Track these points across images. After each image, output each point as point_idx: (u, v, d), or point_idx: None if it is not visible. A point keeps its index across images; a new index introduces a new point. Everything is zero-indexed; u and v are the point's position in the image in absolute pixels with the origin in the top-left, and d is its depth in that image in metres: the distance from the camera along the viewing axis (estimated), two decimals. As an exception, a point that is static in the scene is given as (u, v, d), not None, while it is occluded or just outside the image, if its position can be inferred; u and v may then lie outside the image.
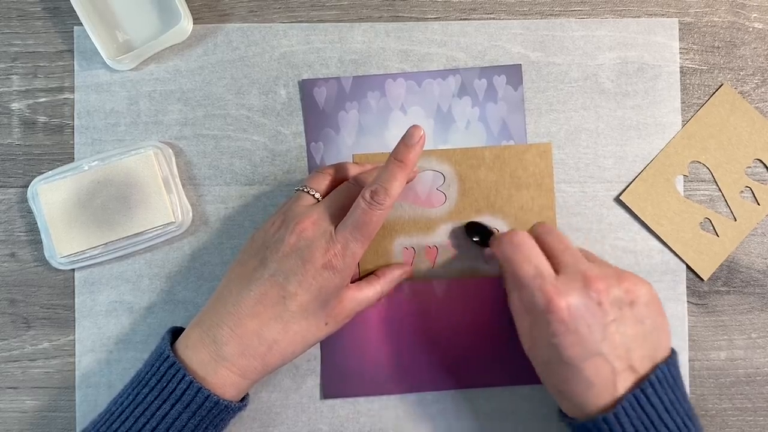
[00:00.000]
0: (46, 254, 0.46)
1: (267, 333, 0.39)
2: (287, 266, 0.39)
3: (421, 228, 0.47)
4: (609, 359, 0.37)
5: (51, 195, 0.45)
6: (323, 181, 0.44)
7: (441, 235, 0.47)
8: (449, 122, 0.48)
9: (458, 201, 0.47)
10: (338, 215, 0.41)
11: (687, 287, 0.47)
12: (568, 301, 0.37)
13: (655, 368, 0.38)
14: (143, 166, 0.45)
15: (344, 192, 0.42)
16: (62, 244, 0.45)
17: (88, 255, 0.46)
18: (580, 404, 0.38)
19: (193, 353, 0.39)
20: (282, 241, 0.40)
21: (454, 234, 0.47)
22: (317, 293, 0.40)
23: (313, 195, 0.43)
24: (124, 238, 0.45)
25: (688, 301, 0.47)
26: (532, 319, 0.39)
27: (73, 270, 0.47)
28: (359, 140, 0.48)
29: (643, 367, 0.38)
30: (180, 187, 0.47)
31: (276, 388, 0.47)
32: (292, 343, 0.40)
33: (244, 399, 0.42)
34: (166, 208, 0.45)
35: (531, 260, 0.39)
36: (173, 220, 0.45)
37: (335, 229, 0.40)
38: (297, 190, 0.43)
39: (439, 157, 0.47)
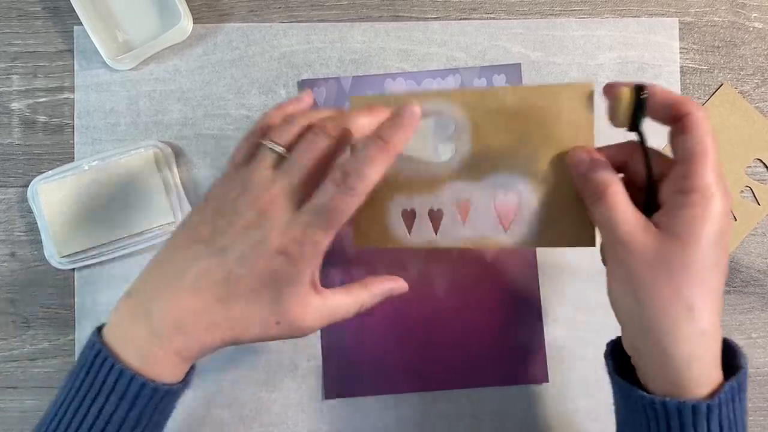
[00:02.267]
0: (46, 253, 0.46)
1: (206, 313, 0.34)
2: (239, 244, 0.34)
3: (424, 186, 0.39)
4: (722, 278, 0.33)
5: (51, 194, 0.45)
6: (292, 132, 0.36)
7: (448, 196, 0.39)
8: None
9: (470, 154, 0.38)
10: (305, 186, 0.35)
11: (687, 287, 0.47)
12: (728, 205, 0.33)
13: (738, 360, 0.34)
14: (143, 166, 0.45)
15: (315, 152, 0.35)
16: (62, 243, 0.45)
17: (88, 254, 0.46)
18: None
19: (124, 331, 0.35)
20: (238, 214, 0.35)
21: (464, 193, 0.39)
22: (268, 280, 0.34)
23: (279, 153, 0.36)
24: (123, 238, 0.45)
25: (688, 301, 0.47)
26: (692, 207, 0.32)
27: (73, 270, 0.47)
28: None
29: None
30: (180, 187, 0.46)
31: (276, 388, 0.47)
32: (232, 328, 0.35)
33: (187, 375, 0.37)
34: (166, 208, 0.45)
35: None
36: (173, 220, 0.45)
37: (299, 207, 0.34)
38: (260, 143, 0.36)
39: (449, 99, 0.38)
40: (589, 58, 0.48)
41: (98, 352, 0.34)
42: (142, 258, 0.47)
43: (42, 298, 0.47)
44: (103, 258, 0.46)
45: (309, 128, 0.36)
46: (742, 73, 0.48)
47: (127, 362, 0.34)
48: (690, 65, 0.48)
